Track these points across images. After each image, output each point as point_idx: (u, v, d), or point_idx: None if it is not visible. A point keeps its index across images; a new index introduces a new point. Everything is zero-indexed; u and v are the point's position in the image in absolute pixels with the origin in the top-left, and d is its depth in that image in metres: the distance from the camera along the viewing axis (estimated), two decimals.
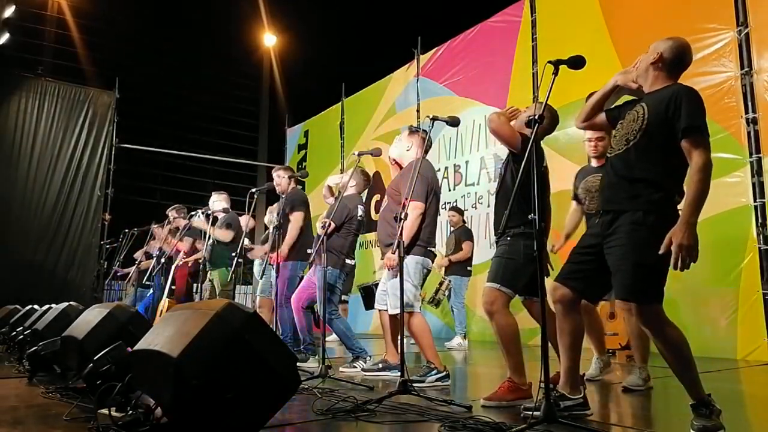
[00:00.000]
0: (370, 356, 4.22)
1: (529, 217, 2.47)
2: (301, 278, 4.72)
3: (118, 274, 8.34)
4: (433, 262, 3.66)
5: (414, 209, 3.43)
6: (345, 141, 10.48)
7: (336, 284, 4.29)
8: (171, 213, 6.78)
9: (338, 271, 4.29)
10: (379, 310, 3.85)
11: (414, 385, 2.85)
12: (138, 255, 7.63)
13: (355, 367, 4.05)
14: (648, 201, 2.21)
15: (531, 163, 2.28)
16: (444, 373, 3.43)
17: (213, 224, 5.48)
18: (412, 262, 3.46)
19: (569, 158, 5.93)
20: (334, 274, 4.25)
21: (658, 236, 2.11)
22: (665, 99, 2.24)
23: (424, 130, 3.79)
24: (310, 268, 4.45)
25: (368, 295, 5.61)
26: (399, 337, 3.01)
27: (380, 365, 3.85)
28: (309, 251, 4.64)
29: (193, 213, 6.21)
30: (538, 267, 2.26)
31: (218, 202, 5.90)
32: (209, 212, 5.57)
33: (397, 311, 3.34)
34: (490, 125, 2.96)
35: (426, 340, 3.49)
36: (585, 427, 2.13)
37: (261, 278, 5.28)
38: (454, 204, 7.85)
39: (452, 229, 6.94)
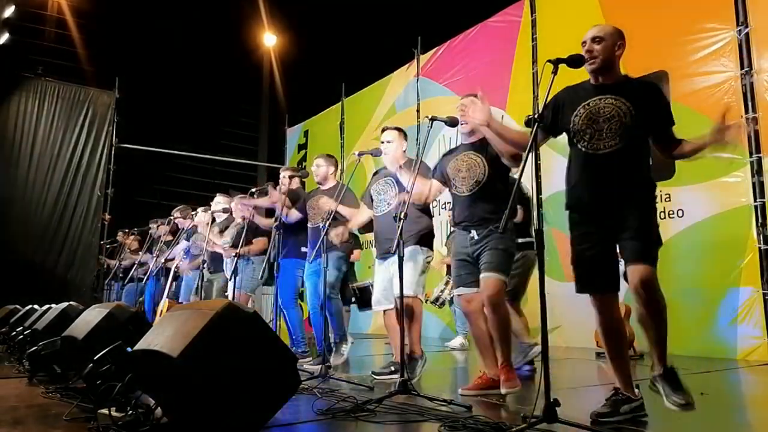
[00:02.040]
0: (353, 342, 4.27)
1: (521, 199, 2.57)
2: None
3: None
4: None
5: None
6: (345, 141, 10.47)
7: (342, 268, 4.47)
8: (175, 213, 6.78)
9: (343, 254, 4.48)
10: (385, 311, 3.81)
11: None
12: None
13: (342, 353, 4.06)
14: (647, 196, 2.41)
15: (527, 161, 2.28)
16: (424, 358, 3.65)
17: (211, 224, 5.47)
18: (422, 255, 3.69)
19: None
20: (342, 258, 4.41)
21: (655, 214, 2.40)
22: (644, 94, 2.41)
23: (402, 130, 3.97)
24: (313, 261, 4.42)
25: (363, 294, 5.52)
26: (400, 335, 3.03)
27: (392, 368, 3.70)
28: (303, 249, 4.67)
29: (194, 213, 6.22)
30: (539, 268, 2.25)
31: (220, 203, 5.90)
32: (210, 212, 5.56)
33: (410, 294, 3.49)
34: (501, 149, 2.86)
35: (419, 324, 3.68)
36: (585, 427, 2.13)
37: (231, 276, 5.11)
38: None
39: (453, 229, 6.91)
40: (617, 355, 2.44)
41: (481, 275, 2.98)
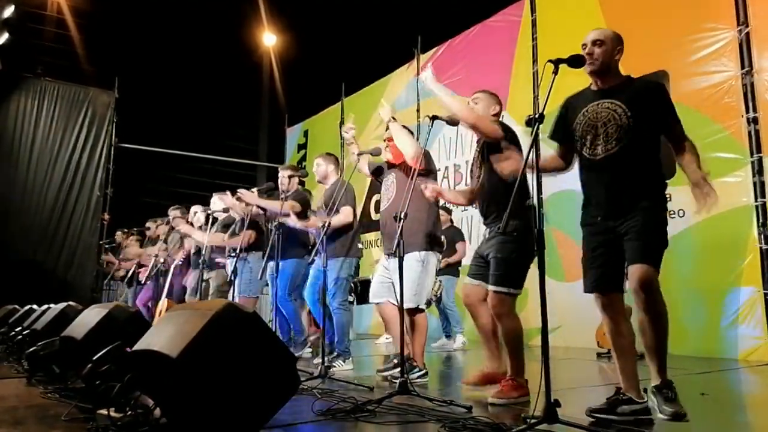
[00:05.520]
0: (352, 368, 4.21)
1: (527, 203, 2.72)
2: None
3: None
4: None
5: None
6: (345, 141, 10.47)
7: (350, 274, 4.31)
8: (172, 213, 6.77)
9: (356, 260, 4.33)
10: (377, 304, 3.82)
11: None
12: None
13: (334, 366, 4.04)
14: (655, 201, 2.40)
15: (529, 161, 2.27)
16: (425, 371, 3.62)
17: (212, 224, 5.44)
18: (434, 259, 3.71)
19: None
20: (352, 264, 4.28)
21: (664, 216, 2.38)
22: (643, 94, 2.41)
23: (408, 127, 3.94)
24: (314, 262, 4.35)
25: (365, 288, 5.47)
26: (401, 334, 3.02)
27: (394, 361, 3.70)
28: (302, 250, 4.68)
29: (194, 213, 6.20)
30: (539, 268, 2.24)
31: (218, 202, 5.88)
32: (209, 212, 5.55)
33: (411, 305, 3.49)
34: (467, 121, 2.93)
35: (424, 338, 3.65)
36: (585, 427, 2.12)
37: (233, 276, 5.03)
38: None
39: (442, 228, 6.87)
40: (622, 356, 2.45)
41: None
